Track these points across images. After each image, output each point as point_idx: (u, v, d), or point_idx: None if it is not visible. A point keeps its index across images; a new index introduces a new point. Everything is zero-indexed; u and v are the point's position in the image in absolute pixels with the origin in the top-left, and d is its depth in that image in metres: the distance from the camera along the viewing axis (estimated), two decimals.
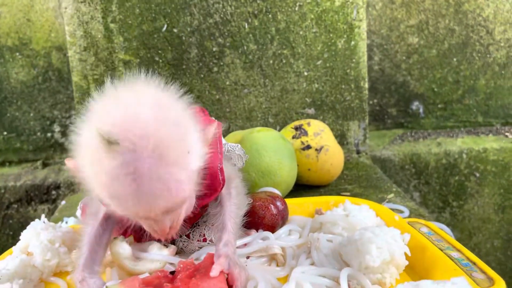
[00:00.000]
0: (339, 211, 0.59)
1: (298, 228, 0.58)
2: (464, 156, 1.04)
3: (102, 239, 0.47)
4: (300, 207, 0.64)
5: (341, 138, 0.93)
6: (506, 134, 1.10)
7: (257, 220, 0.57)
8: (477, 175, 1.05)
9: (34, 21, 1.03)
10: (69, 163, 0.37)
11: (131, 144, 0.32)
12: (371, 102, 1.11)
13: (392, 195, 0.73)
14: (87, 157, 0.34)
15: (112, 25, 0.84)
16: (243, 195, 0.54)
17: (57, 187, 0.98)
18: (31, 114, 1.06)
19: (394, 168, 1.03)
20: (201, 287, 0.40)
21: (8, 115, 1.06)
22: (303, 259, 0.50)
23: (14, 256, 0.52)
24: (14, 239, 0.99)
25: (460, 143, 1.06)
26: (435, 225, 0.55)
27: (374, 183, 0.79)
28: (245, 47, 0.87)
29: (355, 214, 0.57)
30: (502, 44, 1.11)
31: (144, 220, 0.37)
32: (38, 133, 1.07)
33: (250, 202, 0.55)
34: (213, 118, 0.60)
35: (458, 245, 0.49)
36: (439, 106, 1.12)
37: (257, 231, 0.57)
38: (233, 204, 0.50)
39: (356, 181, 0.81)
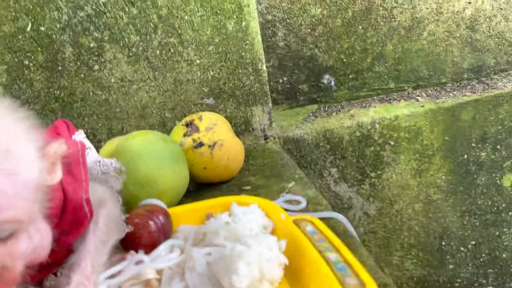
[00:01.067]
0: (223, 217, 0.54)
1: (180, 242, 0.53)
2: (377, 126, 1.03)
3: None
4: (190, 214, 0.59)
5: (246, 125, 0.88)
6: (417, 98, 1.10)
7: (135, 240, 0.52)
8: (392, 143, 1.04)
9: None
10: None
11: None
12: (280, 81, 1.06)
13: (292, 183, 0.70)
14: None
15: None
16: (115, 223, 0.48)
17: None
18: None
19: (309, 147, 1.00)
20: None
21: None
22: (177, 282, 0.46)
23: None
24: None
25: (372, 113, 1.05)
26: (320, 221, 0.52)
27: (278, 171, 0.76)
28: (127, 40, 0.79)
29: (239, 219, 0.53)
30: (405, 6, 1.09)
31: None
32: None
33: (125, 228, 0.50)
34: (78, 135, 0.53)
35: (338, 244, 0.46)
36: (350, 76, 1.10)
37: (136, 252, 0.52)
38: (97, 237, 0.44)
39: (259, 171, 0.77)
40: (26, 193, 0.30)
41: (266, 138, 0.89)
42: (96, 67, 0.79)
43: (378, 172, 1.05)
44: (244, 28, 0.82)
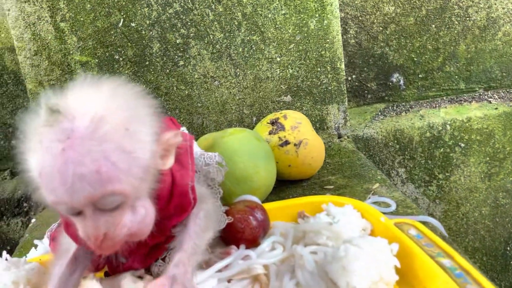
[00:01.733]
0: (322, 217, 0.55)
1: (281, 239, 0.54)
2: (448, 127, 1.01)
3: (70, 281, 0.43)
4: (281, 211, 0.61)
5: (321, 123, 0.88)
6: (490, 99, 1.07)
7: (236, 235, 0.54)
8: (462, 145, 1.02)
9: None
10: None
11: (72, 116, 0.30)
12: (349, 78, 1.06)
13: (377, 185, 0.70)
14: (30, 138, 0.32)
15: (62, 24, 0.76)
16: (214, 219, 0.49)
17: (28, 198, 0.93)
18: None
19: (378, 146, 1.00)
20: None
21: None
22: (287, 280, 0.47)
23: None
24: None
25: (443, 114, 1.03)
26: (422, 225, 0.52)
27: (358, 171, 0.76)
28: (211, 36, 0.80)
29: (339, 219, 0.54)
30: (481, 6, 1.06)
31: (76, 217, 0.33)
32: (2, 142, 1.01)
33: (226, 219, 0.51)
34: (184, 129, 0.55)
35: (449, 249, 0.46)
36: (420, 76, 1.08)
37: (237, 246, 0.54)
38: (197, 225, 0.45)
39: (339, 170, 0.77)
40: (136, 171, 0.32)
41: (340, 136, 0.89)
42: (181, 62, 0.81)
43: (447, 174, 1.04)
44: (325, 27, 0.83)
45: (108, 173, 0.30)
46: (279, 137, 0.71)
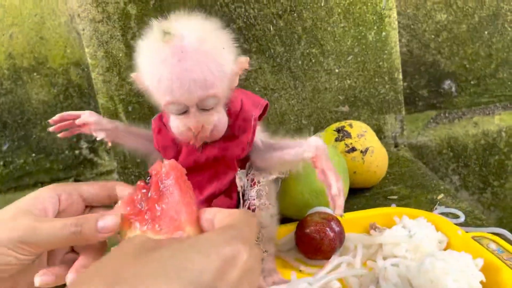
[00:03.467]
0: (399, 229, 0.57)
1: (351, 259, 0.55)
2: (503, 134, 1.01)
3: None
4: (353, 223, 0.62)
5: (378, 133, 0.90)
6: None
7: (315, 246, 0.56)
8: None
9: (47, 39, 0.99)
10: (133, 75, 0.44)
11: (181, 35, 0.39)
12: None
13: (442, 195, 0.71)
14: (146, 53, 0.41)
15: (132, 42, 0.80)
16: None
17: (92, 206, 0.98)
18: (57, 134, 1.04)
19: (431, 153, 1.01)
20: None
21: (34, 136, 1.05)
22: None
23: None
24: None
25: (497, 121, 1.02)
26: (502, 239, 0.53)
27: (420, 181, 0.77)
28: (272, 50, 0.83)
29: (415, 232, 0.55)
30: None
31: (181, 115, 0.42)
32: (66, 151, 1.06)
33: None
34: None
35: None
36: (472, 82, 1.08)
37: (314, 258, 0.57)
38: None
39: (400, 180, 0.79)
40: (225, 80, 0.42)
41: (396, 145, 0.90)
42: (243, 76, 0.84)
43: (501, 181, 1.03)
44: (383, 38, 0.84)
45: (210, 80, 0.40)
46: (346, 144, 0.72)
